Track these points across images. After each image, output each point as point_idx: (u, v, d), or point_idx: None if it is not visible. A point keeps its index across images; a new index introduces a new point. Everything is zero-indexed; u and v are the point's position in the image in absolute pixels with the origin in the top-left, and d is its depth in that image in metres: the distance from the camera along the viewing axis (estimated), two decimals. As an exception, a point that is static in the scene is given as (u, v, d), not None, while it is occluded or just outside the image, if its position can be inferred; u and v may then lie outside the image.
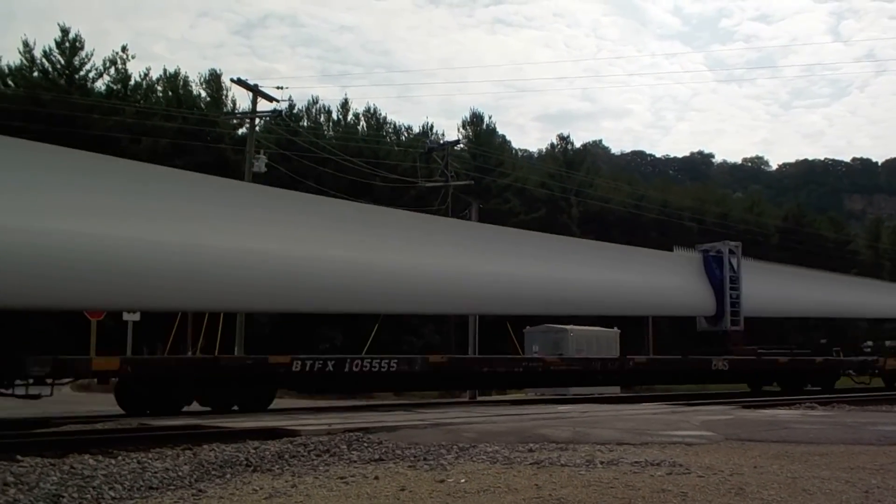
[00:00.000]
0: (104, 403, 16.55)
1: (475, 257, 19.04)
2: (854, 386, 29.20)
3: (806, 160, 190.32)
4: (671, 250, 27.58)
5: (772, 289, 28.05)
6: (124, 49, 43.28)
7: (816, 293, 30.81)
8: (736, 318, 25.43)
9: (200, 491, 6.54)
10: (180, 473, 7.24)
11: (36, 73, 40.60)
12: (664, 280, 24.51)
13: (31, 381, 12.98)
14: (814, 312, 34.81)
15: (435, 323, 41.10)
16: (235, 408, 15.28)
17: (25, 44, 40.29)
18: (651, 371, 24.33)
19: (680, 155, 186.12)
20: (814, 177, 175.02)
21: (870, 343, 72.20)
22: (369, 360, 16.94)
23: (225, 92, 46.99)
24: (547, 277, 20.64)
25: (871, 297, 35.65)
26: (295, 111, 48.84)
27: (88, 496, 6.29)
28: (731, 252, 26.51)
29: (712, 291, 25.49)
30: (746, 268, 26.86)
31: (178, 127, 40.37)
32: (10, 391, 13.13)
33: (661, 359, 26.28)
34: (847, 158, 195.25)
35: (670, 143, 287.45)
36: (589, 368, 22.12)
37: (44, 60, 40.73)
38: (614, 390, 28.02)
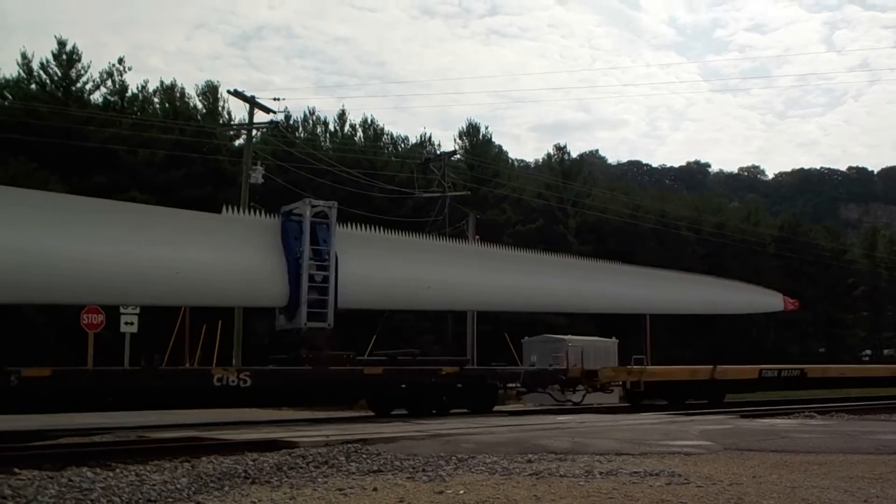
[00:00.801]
0: (99, 416, 16.50)
1: None
2: (555, 406, 23.03)
3: (802, 169, 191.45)
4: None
5: (398, 270, 19.71)
6: (121, 61, 43.48)
7: (474, 277, 21.38)
8: (320, 312, 17.73)
9: (199, 503, 6.53)
10: (178, 486, 7.22)
11: (33, 86, 40.69)
12: (205, 255, 16.66)
13: None
14: (472, 303, 24.29)
15: (433, 334, 41.05)
16: None
17: (24, 56, 40.46)
18: (63, 391, 14.97)
19: (676, 165, 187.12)
20: (810, 186, 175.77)
21: (868, 352, 72.17)
22: None
23: (221, 104, 47.17)
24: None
25: (578, 285, 24.36)
26: (291, 122, 48.96)
27: (87, 509, 6.28)
28: (319, 216, 18.15)
29: (287, 273, 17.66)
30: (352, 240, 18.79)
31: (176, 139, 40.41)
32: None
33: (79, 371, 17.50)
34: (843, 167, 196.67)
35: (666, 153, 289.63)
36: None
37: (41, 73, 40.86)
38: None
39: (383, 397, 19.51)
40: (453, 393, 19.65)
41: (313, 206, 18.12)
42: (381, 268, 19.32)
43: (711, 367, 25.85)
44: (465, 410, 19.63)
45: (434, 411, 19.08)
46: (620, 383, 24.38)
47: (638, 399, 24.97)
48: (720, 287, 30.47)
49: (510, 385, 21.94)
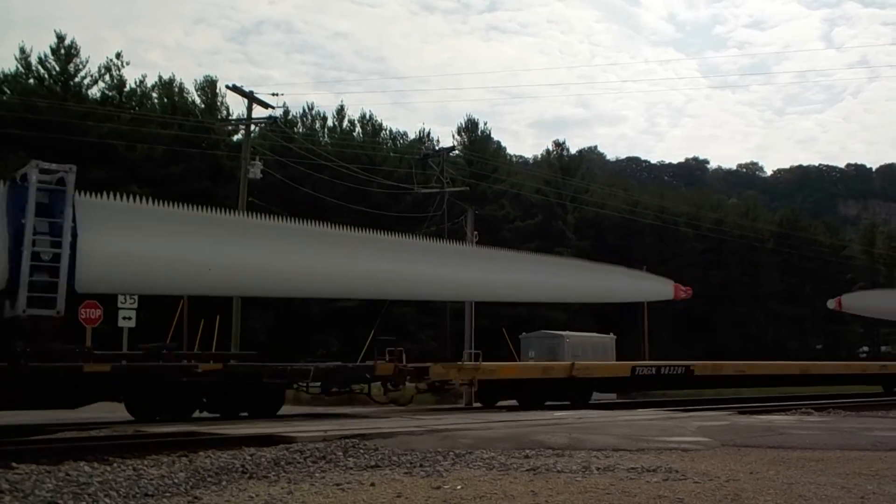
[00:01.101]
0: (97, 410, 16.51)
1: None
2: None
3: (801, 166, 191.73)
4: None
5: (169, 248, 16.69)
6: (119, 56, 43.42)
7: (272, 258, 18.16)
8: (47, 296, 14.77)
9: (196, 498, 6.52)
10: (176, 480, 7.22)
11: (31, 81, 40.60)
12: None
13: None
14: (270, 288, 20.45)
15: (434, 329, 41.06)
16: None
17: (22, 50, 40.38)
18: None
19: (675, 161, 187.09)
20: (808, 182, 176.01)
21: (865, 348, 72.22)
22: None
23: (220, 99, 47.11)
24: None
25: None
26: (290, 118, 48.87)
27: (84, 503, 6.28)
28: (56, 183, 15.12)
29: (9, 250, 14.66)
30: (104, 213, 15.73)
31: (174, 134, 40.35)
32: None
33: None
34: (841, 164, 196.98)
35: (665, 150, 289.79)
36: None
37: (39, 67, 40.76)
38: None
39: (138, 399, 16.54)
40: (219, 394, 17.14)
41: (45, 171, 14.99)
42: (145, 245, 16.20)
43: (569, 363, 23.59)
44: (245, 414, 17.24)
45: (216, 414, 16.87)
46: (455, 382, 21.77)
47: (492, 401, 22.77)
48: (607, 274, 28.50)
49: (301, 384, 19.07)
